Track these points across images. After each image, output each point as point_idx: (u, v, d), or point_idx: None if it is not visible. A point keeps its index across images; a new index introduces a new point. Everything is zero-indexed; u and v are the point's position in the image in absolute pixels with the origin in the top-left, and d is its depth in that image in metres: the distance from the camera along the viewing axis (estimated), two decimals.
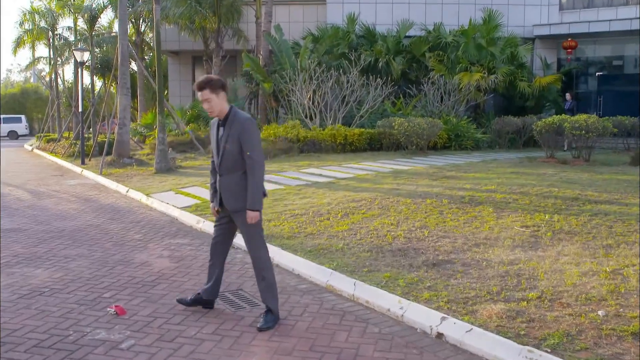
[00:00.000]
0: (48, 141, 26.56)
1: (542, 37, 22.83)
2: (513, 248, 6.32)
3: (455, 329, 4.37)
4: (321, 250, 6.49)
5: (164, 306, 4.92)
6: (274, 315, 4.59)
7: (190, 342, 4.19)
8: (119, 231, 8.10)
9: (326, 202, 9.00)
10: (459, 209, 8.10)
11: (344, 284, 5.44)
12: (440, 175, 11.54)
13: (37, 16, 28.48)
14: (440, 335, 4.41)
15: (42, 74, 61.15)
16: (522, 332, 4.22)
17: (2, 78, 74.21)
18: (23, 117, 44.90)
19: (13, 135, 42.81)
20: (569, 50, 22.01)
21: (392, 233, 7.02)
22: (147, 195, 10.78)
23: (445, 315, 4.54)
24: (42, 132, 30.76)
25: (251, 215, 4.49)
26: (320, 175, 11.90)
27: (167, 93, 30.25)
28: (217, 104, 4.39)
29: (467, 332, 4.30)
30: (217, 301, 5.08)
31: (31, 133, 46.86)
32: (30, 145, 29.63)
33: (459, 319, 4.49)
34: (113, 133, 22.36)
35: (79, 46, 22.03)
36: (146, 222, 8.79)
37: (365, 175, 11.79)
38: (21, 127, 43.80)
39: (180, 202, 9.83)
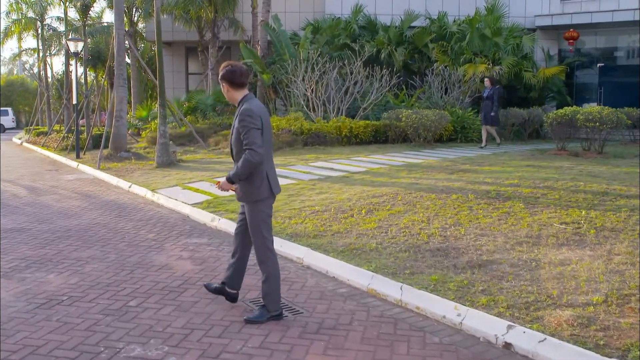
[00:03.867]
0: (38, 134, 25.86)
1: (544, 28, 22.47)
2: (559, 247, 5.94)
3: (526, 339, 3.98)
4: (354, 250, 6.07)
5: (198, 316, 4.47)
6: (266, 312, 4.42)
7: (237, 358, 3.75)
8: (130, 230, 7.62)
9: (345, 197, 8.58)
10: (488, 205, 7.71)
11: (389, 288, 5.03)
12: (455, 168, 11.15)
13: (24, 6, 27.65)
14: (508, 346, 4.02)
15: (26, 66, 60.05)
16: (601, 342, 3.85)
17: None
18: (10, 109, 43.88)
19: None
20: (571, 41, 21.69)
21: (426, 231, 6.61)
22: (153, 191, 10.28)
23: (512, 324, 4.15)
24: (31, 126, 29.97)
25: (222, 182, 4.39)
26: (332, 169, 11.46)
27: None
28: (224, 93, 4.47)
29: (540, 342, 3.91)
30: (254, 309, 4.64)
31: (18, 126, 45.91)
32: (19, 139, 28.85)
33: (526, 327, 4.10)
34: (104, 126, 21.79)
35: (70, 36, 21.32)
36: (156, 219, 8.32)
37: (378, 168, 11.37)
38: (8, 120, 42.78)
39: (190, 198, 9.35)
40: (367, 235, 6.61)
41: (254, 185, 4.30)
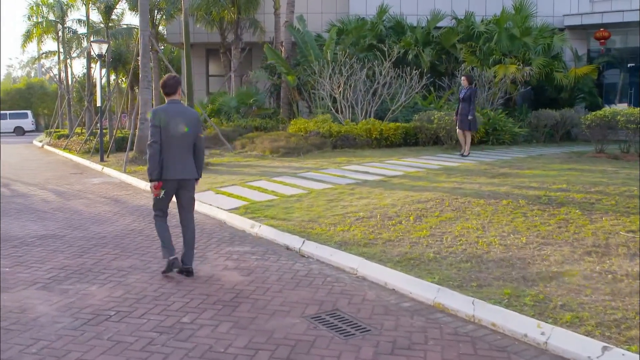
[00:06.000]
0: (59, 137, 25.74)
1: (573, 28, 21.97)
2: (631, 257, 5.52)
3: None
4: (411, 260, 5.70)
5: (259, 334, 4.13)
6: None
7: None
8: None
9: (389, 202, 8.21)
10: (542, 211, 7.30)
11: (459, 302, 4.66)
12: (495, 172, 10.74)
13: (45, 9, 27.55)
14: None
15: (43, 69, 60.25)
16: None
17: (2, 74, 73.19)
18: (29, 112, 43.96)
19: (19, 131, 41.88)
20: (602, 41, 21.16)
21: (484, 239, 6.22)
22: None
23: (607, 345, 3.76)
24: (52, 128, 29.89)
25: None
26: (367, 172, 11.10)
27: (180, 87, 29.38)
28: None
29: None
30: (318, 326, 4.30)
31: (37, 129, 46.01)
32: (40, 142, 28.78)
33: (623, 349, 3.71)
34: (124, 128, 21.59)
35: (92, 39, 21.18)
36: None
37: (415, 172, 10.99)
38: (27, 123, 42.83)
39: (225, 203, 9.02)
40: (421, 243, 6.24)
41: None
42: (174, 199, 5.75)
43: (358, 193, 9.09)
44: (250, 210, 8.34)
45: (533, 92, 20.79)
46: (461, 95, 13.66)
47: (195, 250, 6.55)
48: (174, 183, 5.52)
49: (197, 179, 5.81)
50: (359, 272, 5.63)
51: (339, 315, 4.54)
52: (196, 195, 9.75)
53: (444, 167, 11.66)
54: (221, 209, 8.64)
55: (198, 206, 9.15)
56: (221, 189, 10.20)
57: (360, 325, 4.32)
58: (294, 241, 6.68)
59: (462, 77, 14.01)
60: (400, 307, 4.75)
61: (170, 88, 5.51)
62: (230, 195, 9.60)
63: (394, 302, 4.87)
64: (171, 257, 5.47)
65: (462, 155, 13.47)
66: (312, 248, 6.40)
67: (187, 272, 5.54)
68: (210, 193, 9.98)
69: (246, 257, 6.29)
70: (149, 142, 5.38)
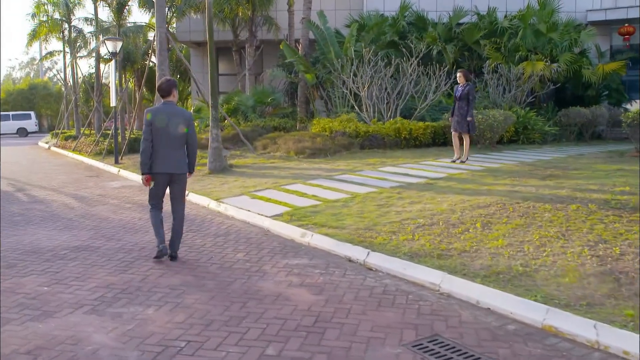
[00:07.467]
0: (66, 138, 25.10)
1: (596, 23, 21.38)
2: None
3: None
4: (499, 274, 5.10)
5: None
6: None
7: None
8: (212, 248, 6.70)
9: (446, 208, 7.61)
10: (619, 217, 6.71)
11: (575, 325, 4.08)
12: (542, 174, 10.18)
13: (50, 7, 26.89)
14: None
15: (44, 69, 59.55)
16: None
17: (2, 74, 72.50)
18: (32, 113, 43.25)
19: (22, 132, 41.20)
20: (627, 36, 20.59)
21: (571, 250, 5.62)
22: (218, 200, 9.36)
23: None
24: (58, 129, 29.23)
25: None
26: (406, 174, 10.50)
27: (190, 87, 28.81)
28: None
29: None
30: (425, 356, 3.70)
31: (40, 130, 45.32)
32: (46, 143, 28.13)
33: None
34: (134, 129, 20.98)
35: (101, 37, 20.54)
36: (234, 235, 7.38)
37: (459, 174, 10.40)
38: (31, 124, 42.14)
39: (264, 209, 8.41)
40: (501, 255, 5.64)
41: None
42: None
43: (407, 197, 8.49)
44: (296, 217, 7.73)
45: (556, 90, 20.22)
46: (457, 94, 12.05)
47: (248, 264, 5.99)
48: (166, 176, 6.04)
49: (189, 173, 6.27)
50: (442, 289, 5.03)
51: (442, 342, 3.95)
52: (230, 200, 9.27)
53: (486, 168, 11.08)
54: (263, 215, 8.03)
55: (235, 212, 8.60)
56: (256, 193, 9.59)
57: (472, 355, 3.73)
58: (356, 252, 6.08)
59: (458, 73, 12.16)
60: (506, 330, 4.16)
61: (164, 91, 6.04)
62: (268, 200, 8.99)
63: (495, 324, 4.28)
64: (161, 245, 6.03)
65: (455, 161, 11.98)
66: (379, 260, 5.80)
67: (172, 257, 6.12)
68: (246, 198, 9.37)
69: (308, 271, 5.68)
70: (141, 140, 6.00)
